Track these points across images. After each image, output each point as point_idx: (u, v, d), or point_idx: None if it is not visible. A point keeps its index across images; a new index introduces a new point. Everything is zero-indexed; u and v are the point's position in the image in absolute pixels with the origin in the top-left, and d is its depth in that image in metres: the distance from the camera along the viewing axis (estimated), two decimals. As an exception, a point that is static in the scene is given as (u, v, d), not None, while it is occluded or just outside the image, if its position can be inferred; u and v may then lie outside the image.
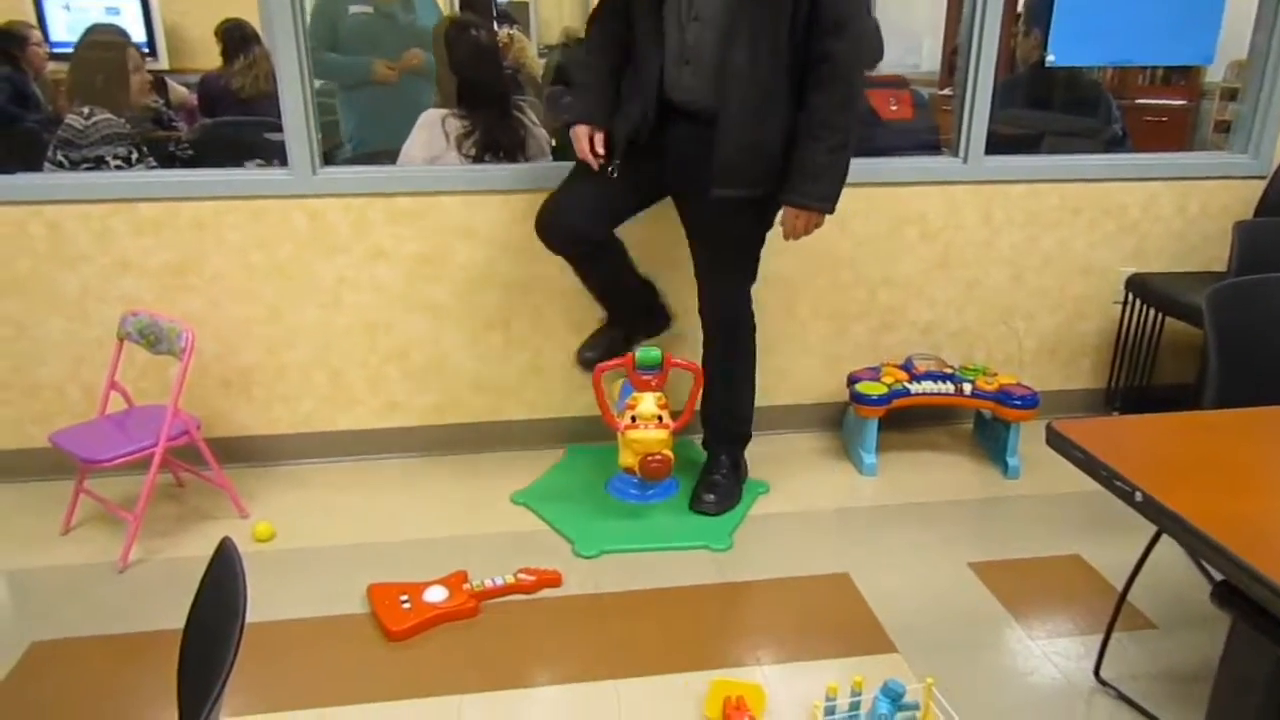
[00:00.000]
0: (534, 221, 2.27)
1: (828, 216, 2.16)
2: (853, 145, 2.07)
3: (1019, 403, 2.63)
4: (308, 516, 2.48)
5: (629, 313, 2.46)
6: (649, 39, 2.13)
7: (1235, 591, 1.18)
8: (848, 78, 2.00)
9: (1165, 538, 1.35)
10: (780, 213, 2.19)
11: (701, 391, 2.46)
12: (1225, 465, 1.33)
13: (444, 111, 2.71)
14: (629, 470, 2.35)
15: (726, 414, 2.49)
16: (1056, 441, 1.36)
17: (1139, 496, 1.19)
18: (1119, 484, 1.21)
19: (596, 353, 2.42)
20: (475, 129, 2.70)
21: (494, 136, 2.72)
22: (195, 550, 2.31)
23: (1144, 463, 1.32)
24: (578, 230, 2.24)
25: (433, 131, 2.68)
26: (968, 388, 2.69)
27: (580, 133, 2.22)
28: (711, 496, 2.47)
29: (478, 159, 2.70)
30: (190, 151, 3.27)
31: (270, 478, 2.67)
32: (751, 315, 2.34)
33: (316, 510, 2.51)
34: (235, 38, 3.72)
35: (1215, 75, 4.53)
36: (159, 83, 3.83)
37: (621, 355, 2.41)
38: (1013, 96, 3.20)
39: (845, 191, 2.72)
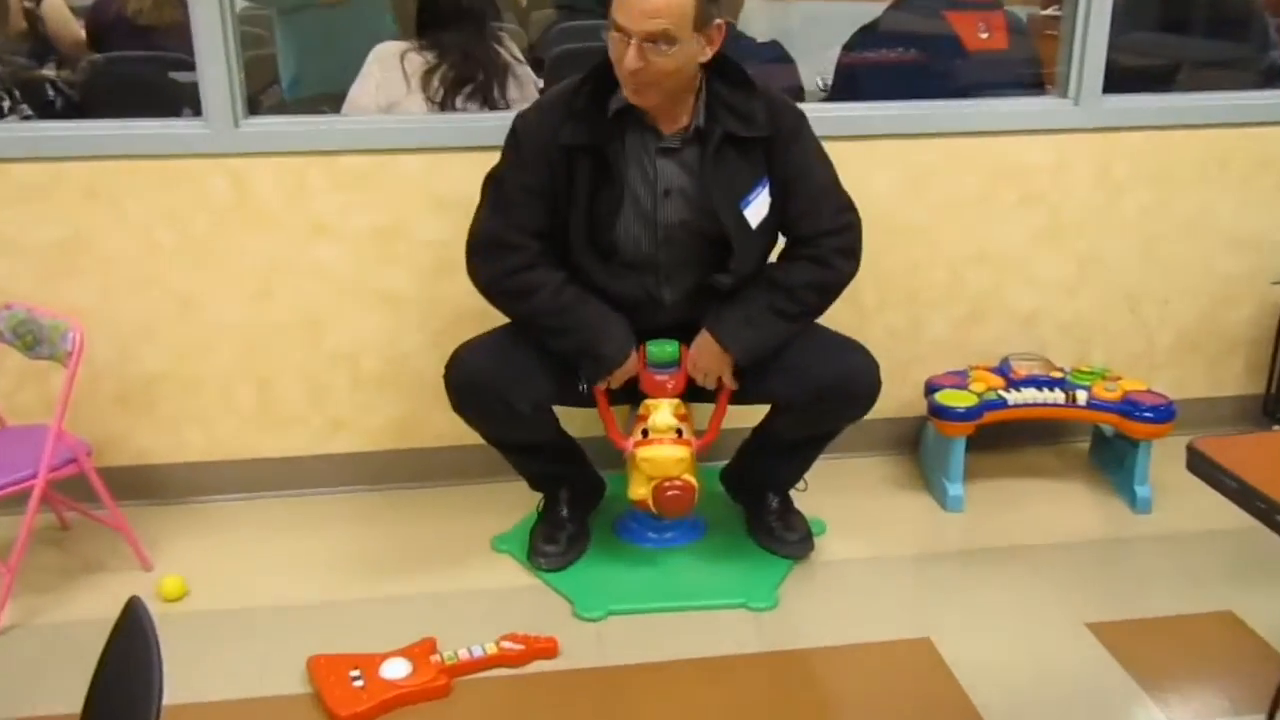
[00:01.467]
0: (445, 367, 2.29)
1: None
2: (808, 324, 2.30)
3: (1150, 415, 2.62)
4: (229, 568, 2.48)
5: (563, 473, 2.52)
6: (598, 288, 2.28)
7: None
8: (836, 285, 2.30)
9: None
10: (695, 344, 2.28)
11: (748, 452, 2.52)
12: None
13: (402, 45, 2.73)
14: (640, 504, 2.35)
15: (780, 477, 2.53)
16: (1200, 466, 1.35)
17: (1309, 536, 1.18)
18: (1282, 520, 1.21)
19: (559, 547, 2.46)
20: (442, 62, 2.71)
21: (465, 70, 2.73)
22: (85, 611, 2.31)
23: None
24: (513, 406, 2.25)
25: (388, 70, 2.70)
26: (1083, 396, 2.68)
27: (621, 377, 2.29)
28: (796, 534, 2.49)
29: (447, 101, 2.71)
30: (76, 97, 3.30)
31: (180, 518, 2.68)
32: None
33: (241, 560, 2.52)
34: None
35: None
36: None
37: (584, 539, 2.51)
38: (1138, 17, 3.20)
39: (921, 141, 2.75)
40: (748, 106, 2.20)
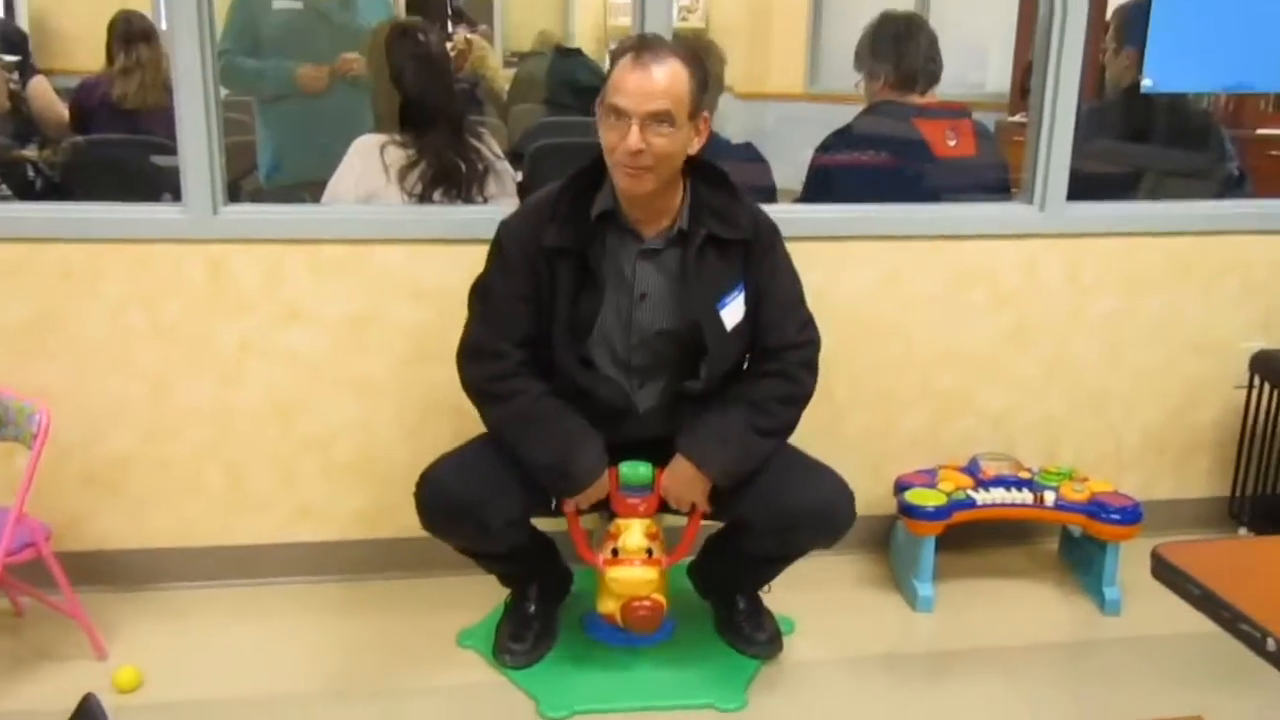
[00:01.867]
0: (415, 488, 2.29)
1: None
2: (782, 440, 2.31)
3: (1117, 517, 2.64)
4: (186, 659, 2.44)
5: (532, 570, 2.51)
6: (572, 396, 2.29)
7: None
8: (802, 398, 2.33)
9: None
10: (669, 469, 2.28)
11: (712, 553, 2.52)
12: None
13: (382, 138, 2.77)
14: (609, 618, 2.34)
15: (746, 583, 2.53)
16: (1165, 573, 1.37)
17: (1271, 645, 1.19)
18: (1245, 628, 1.22)
19: (525, 644, 2.45)
20: (421, 159, 2.76)
21: (444, 169, 2.78)
22: (34, 702, 2.27)
23: (1277, 599, 1.33)
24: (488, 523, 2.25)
25: (368, 162, 2.74)
26: (1050, 497, 2.70)
27: (592, 497, 2.28)
28: (765, 633, 2.48)
29: (424, 196, 2.75)
30: (57, 178, 3.33)
31: (140, 605, 2.64)
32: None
33: (198, 650, 2.48)
34: (121, 33, 3.81)
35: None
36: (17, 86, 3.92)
37: (551, 636, 2.49)
38: (1102, 126, 3.29)
39: (892, 243, 2.80)
40: (732, 210, 2.25)
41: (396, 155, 2.74)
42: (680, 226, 2.25)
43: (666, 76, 2.09)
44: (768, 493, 2.25)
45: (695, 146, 2.20)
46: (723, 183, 2.27)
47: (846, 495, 2.28)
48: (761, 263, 2.29)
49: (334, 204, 2.76)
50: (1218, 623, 1.28)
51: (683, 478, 2.27)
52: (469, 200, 2.81)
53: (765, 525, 2.27)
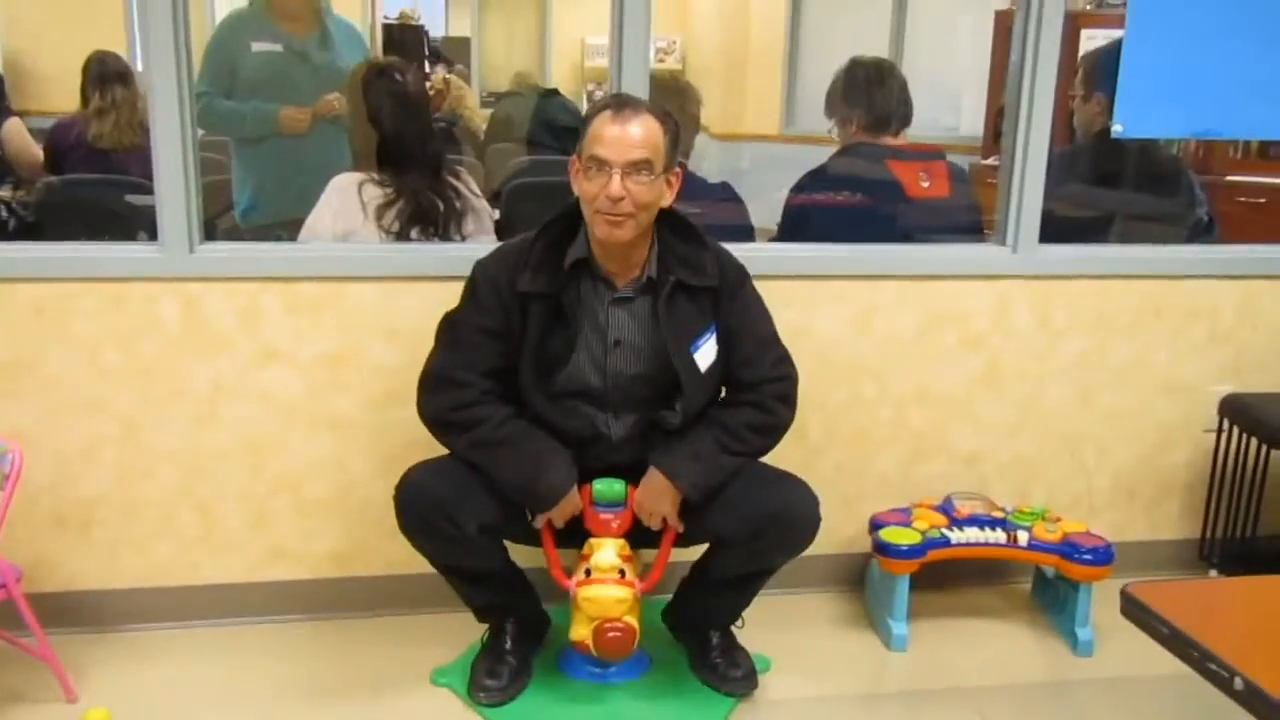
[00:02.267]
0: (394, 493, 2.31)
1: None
2: (747, 465, 2.35)
3: (1089, 557, 2.66)
4: (157, 700, 2.42)
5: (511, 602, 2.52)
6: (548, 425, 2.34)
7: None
8: (776, 429, 2.39)
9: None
10: (643, 483, 2.32)
11: (685, 590, 2.54)
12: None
13: (360, 176, 2.79)
14: (580, 645, 2.34)
15: (720, 616, 2.54)
16: (1135, 612, 1.39)
17: (1239, 684, 1.21)
18: (1213, 667, 1.24)
19: (501, 681, 2.44)
20: (399, 197, 2.78)
21: (422, 207, 2.80)
22: (3, 746, 2.25)
23: (1247, 639, 1.35)
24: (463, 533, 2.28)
25: (346, 200, 2.76)
26: (1023, 537, 2.72)
27: (564, 513, 2.31)
28: (740, 670, 2.49)
29: (402, 235, 2.77)
30: (30, 217, 3.32)
31: (110, 646, 2.62)
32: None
33: (169, 692, 2.46)
34: (96, 74, 3.83)
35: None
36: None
37: (526, 674, 2.49)
38: (1074, 170, 3.35)
39: (866, 283, 2.84)
40: (698, 258, 2.32)
41: (374, 193, 2.76)
42: (649, 275, 2.32)
43: (644, 130, 2.20)
44: (736, 503, 2.30)
45: (668, 199, 2.28)
46: (688, 231, 2.35)
47: (811, 500, 2.33)
48: (732, 304, 2.35)
49: (311, 242, 2.77)
50: (1186, 662, 1.30)
51: (655, 490, 2.30)
52: (446, 239, 2.83)
53: (737, 535, 2.30)
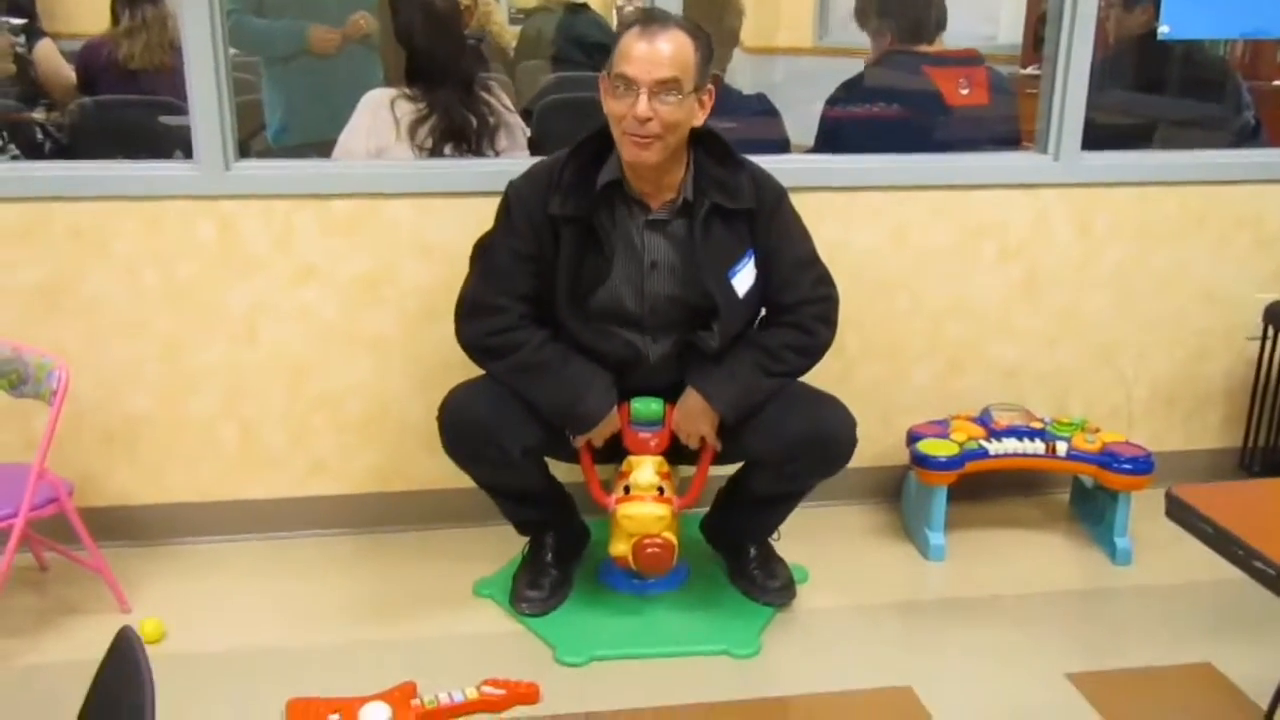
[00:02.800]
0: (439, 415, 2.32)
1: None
2: (786, 385, 2.33)
3: (1128, 467, 2.66)
4: (208, 611, 2.48)
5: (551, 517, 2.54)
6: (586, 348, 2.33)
7: None
8: (815, 349, 2.36)
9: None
10: (680, 402, 2.32)
11: (723, 503, 2.56)
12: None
13: (392, 92, 2.77)
14: (620, 560, 2.38)
15: (757, 529, 2.55)
16: (1179, 512, 1.39)
17: (1284, 580, 1.21)
18: (1259, 565, 1.24)
19: (543, 592, 2.47)
20: (431, 113, 2.76)
21: (454, 122, 2.78)
22: (60, 654, 2.31)
23: (1290, 539, 1.35)
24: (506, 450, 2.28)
25: (378, 116, 2.74)
26: (1062, 447, 2.72)
27: (603, 434, 2.32)
28: (778, 581, 2.51)
29: (435, 151, 2.75)
30: (65, 140, 3.33)
31: (160, 560, 2.68)
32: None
33: (219, 603, 2.52)
34: None
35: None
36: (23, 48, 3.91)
37: (567, 586, 2.52)
38: (1117, 77, 3.28)
39: (903, 194, 2.80)
40: (734, 180, 2.27)
41: (406, 109, 2.75)
42: (685, 198, 2.28)
43: (673, 46, 2.14)
44: (772, 424, 2.29)
45: (700, 119, 2.22)
46: (725, 153, 2.30)
47: (848, 422, 2.32)
48: (769, 227, 2.32)
49: (344, 158, 2.76)
50: (1231, 560, 1.30)
51: (692, 411, 2.31)
52: (479, 154, 2.82)
53: (772, 456, 2.31)
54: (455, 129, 2.78)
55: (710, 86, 2.22)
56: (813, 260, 2.37)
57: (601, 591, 2.54)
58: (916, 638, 2.43)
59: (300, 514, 2.78)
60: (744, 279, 2.30)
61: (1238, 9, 2.82)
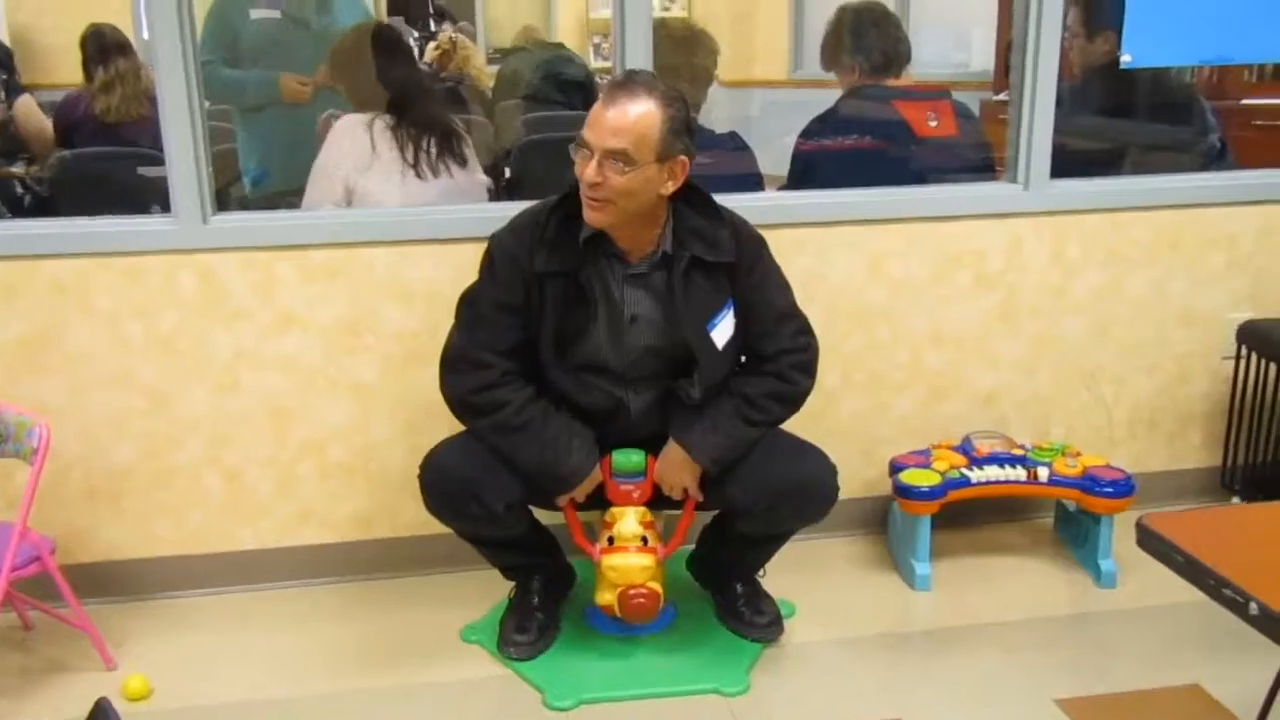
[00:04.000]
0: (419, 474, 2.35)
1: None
2: (767, 434, 2.34)
3: (1110, 490, 2.67)
4: (195, 666, 2.47)
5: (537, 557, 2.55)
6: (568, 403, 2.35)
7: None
8: (795, 398, 2.37)
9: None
10: (662, 455, 2.34)
11: (708, 542, 2.57)
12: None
13: (366, 115, 2.84)
14: (607, 609, 2.38)
15: (742, 568, 2.56)
16: (1151, 543, 1.40)
17: (1254, 609, 1.23)
18: (1228, 593, 1.25)
19: (530, 636, 2.47)
20: (402, 122, 2.86)
21: (427, 126, 2.89)
22: (45, 713, 2.29)
23: (1263, 564, 1.37)
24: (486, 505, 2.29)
25: (356, 139, 2.79)
26: (1044, 473, 2.73)
27: (585, 490, 2.34)
28: (766, 617, 2.52)
29: (416, 152, 2.82)
30: (45, 193, 3.34)
31: (146, 615, 2.67)
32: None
33: (206, 657, 2.51)
34: (94, 48, 3.82)
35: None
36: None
37: (554, 628, 2.52)
38: (1085, 104, 3.32)
39: (877, 227, 2.83)
40: (714, 233, 2.28)
41: (381, 127, 2.83)
42: (664, 250, 2.29)
43: (631, 116, 2.13)
44: (754, 474, 2.30)
45: (669, 189, 2.21)
46: (705, 204, 2.31)
47: (829, 471, 2.34)
48: (749, 279, 2.33)
49: (321, 184, 2.81)
50: (1202, 589, 1.32)
51: (674, 463, 2.32)
52: (455, 155, 2.89)
53: (753, 506, 2.32)
54: (428, 129, 2.87)
55: (683, 159, 2.20)
56: (792, 312, 2.38)
57: (589, 633, 2.54)
58: (905, 668, 2.44)
59: (287, 563, 2.77)
60: (723, 330, 2.31)
61: (1197, 37, 2.87)
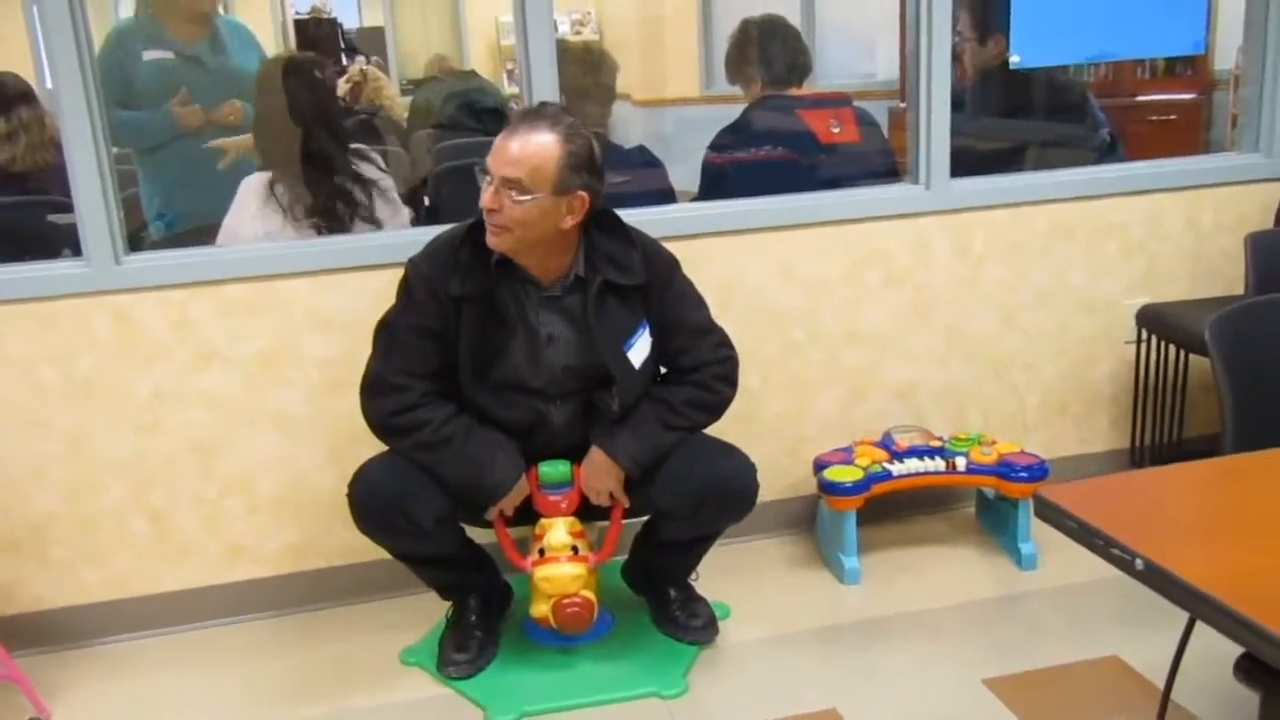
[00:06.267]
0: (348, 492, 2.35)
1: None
2: (687, 439, 2.39)
3: (1025, 475, 2.77)
4: (131, 711, 2.46)
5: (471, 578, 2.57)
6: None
7: (1260, 665, 1.29)
8: (717, 406, 2.43)
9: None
10: (586, 462, 2.38)
11: (639, 549, 2.61)
12: (1245, 518, 1.46)
13: (268, 176, 2.82)
14: (542, 621, 2.42)
15: (674, 572, 2.61)
16: (1047, 512, 1.48)
17: (1139, 564, 1.30)
18: (1116, 552, 1.33)
19: (469, 654, 2.50)
20: (307, 194, 2.82)
21: (325, 203, 2.85)
22: (-18, 767, 2.28)
23: (1150, 525, 1.45)
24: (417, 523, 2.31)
25: (264, 202, 2.78)
26: (961, 462, 2.82)
27: (512, 502, 2.38)
28: (700, 619, 2.56)
29: (317, 229, 2.80)
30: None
31: (79, 663, 2.64)
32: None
33: (143, 701, 2.49)
34: None
35: (1227, 61, 4.90)
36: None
37: (493, 645, 2.54)
38: (982, 105, 3.45)
39: (788, 232, 2.91)
40: (626, 256, 2.34)
41: (284, 190, 2.80)
42: (577, 274, 2.34)
43: (529, 147, 2.18)
44: (675, 476, 2.35)
45: (568, 222, 2.24)
46: (616, 228, 2.37)
47: (749, 469, 2.40)
48: (663, 299, 2.38)
49: (230, 244, 2.79)
50: (1093, 551, 1.39)
51: (598, 468, 2.36)
52: (369, 219, 2.87)
53: (678, 509, 2.36)
54: (326, 209, 2.83)
55: (582, 194, 2.22)
56: (709, 327, 2.43)
57: (528, 647, 2.57)
58: (837, 660, 2.50)
59: (219, 601, 2.76)
60: (640, 350, 2.36)
61: (1082, 35, 3.00)
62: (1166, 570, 1.27)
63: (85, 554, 2.68)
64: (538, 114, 2.26)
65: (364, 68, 6.65)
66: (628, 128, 3.59)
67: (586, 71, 3.20)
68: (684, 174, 3.24)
